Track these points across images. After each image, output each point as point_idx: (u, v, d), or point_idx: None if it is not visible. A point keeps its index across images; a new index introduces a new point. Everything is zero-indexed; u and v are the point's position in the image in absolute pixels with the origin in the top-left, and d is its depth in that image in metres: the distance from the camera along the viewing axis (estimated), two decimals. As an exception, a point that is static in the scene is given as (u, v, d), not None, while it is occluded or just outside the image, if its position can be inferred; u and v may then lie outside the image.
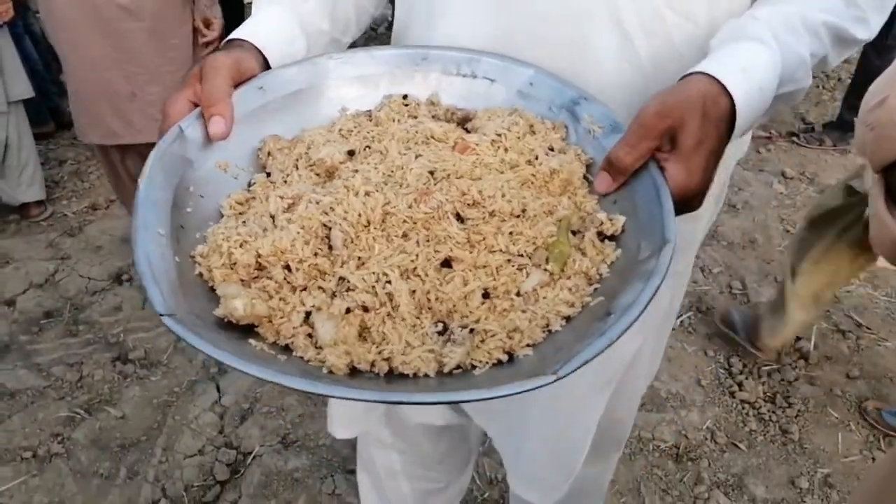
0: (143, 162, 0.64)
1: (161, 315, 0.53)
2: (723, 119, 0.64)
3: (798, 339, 2.43)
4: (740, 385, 2.27)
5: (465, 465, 1.49)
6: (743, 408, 2.20)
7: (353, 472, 1.87)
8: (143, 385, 2.23)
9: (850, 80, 3.65)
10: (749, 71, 0.65)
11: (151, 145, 0.66)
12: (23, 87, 2.81)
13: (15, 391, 2.20)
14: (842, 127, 3.57)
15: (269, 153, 0.73)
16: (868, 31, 0.74)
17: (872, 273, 2.74)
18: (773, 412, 2.19)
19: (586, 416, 1.06)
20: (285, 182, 0.71)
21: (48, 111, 3.65)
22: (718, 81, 0.64)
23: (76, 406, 2.15)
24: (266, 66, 0.75)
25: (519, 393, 0.51)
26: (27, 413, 2.12)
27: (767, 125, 3.77)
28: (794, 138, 3.69)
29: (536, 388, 0.51)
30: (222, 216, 0.68)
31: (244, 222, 0.66)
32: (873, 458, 2.05)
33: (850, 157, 3.51)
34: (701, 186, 0.64)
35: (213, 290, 0.61)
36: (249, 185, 0.72)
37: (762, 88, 0.66)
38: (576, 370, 0.51)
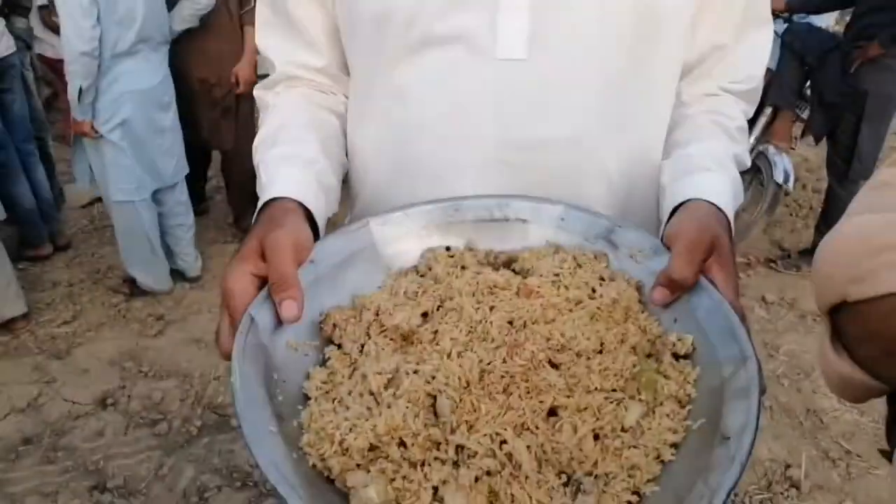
0: None
1: None
2: (728, 230, 0.74)
3: (787, 466, 2.40)
4: (733, 516, 2.23)
5: None
6: (737, 540, 2.15)
7: None
8: (119, 516, 2.16)
9: (820, 210, 3.83)
10: (720, 192, 0.77)
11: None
12: None
13: (-15, 523, 2.13)
14: (816, 253, 3.69)
15: (334, 325, 0.73)
16: (747, 161, 0.90)
17: (857, 398, 2.76)
18: (768, 545, 2.14)
19: None
20: (361, 352, 0.71)
21: (46, 234, 3.73)
22: (710, 202, 0.75)
23: (47, 539, 2.07)
24: (310, 221, 0.78)
25: None
26: (-5, 547, 2.04)
27: (746, 251, 3.90)
28: (772, 264, 3.82)
29: None
30: (307, 398, 0.68)
31: (339, 402, 0.66)
32: None
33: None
34: (737, 286, 0.70)
35: (328, 478, 0.61)
36: (324, 360, 0.72)
37: (731, 205, 0.78)
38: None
